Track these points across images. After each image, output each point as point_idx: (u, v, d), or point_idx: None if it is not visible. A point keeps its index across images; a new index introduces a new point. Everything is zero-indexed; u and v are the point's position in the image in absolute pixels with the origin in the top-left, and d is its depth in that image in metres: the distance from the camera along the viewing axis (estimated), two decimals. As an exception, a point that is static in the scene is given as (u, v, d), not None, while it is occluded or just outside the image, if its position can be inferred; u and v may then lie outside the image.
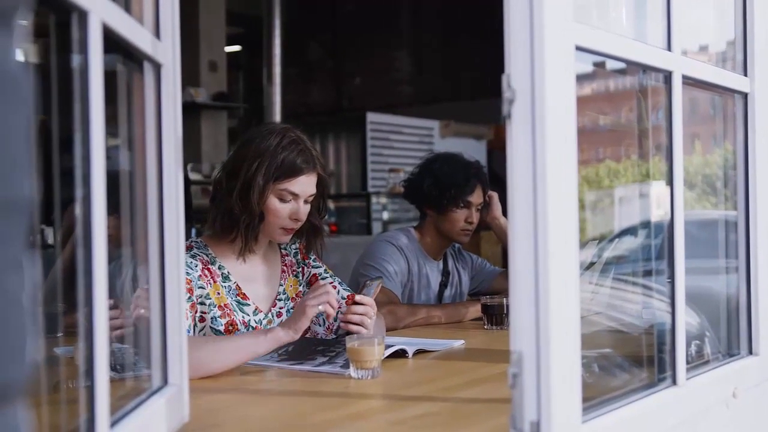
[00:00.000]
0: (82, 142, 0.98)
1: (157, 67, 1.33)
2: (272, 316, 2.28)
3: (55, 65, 1.01)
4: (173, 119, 1.36)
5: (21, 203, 0.56)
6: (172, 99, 1.36)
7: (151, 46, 1.28)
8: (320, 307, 1.98)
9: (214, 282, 2.19)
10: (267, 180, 2.15)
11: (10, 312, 0.55)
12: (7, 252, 0.55)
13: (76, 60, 1.00)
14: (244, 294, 2.24)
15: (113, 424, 1.07)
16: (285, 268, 2.38)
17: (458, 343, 2.34)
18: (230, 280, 2.23)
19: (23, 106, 0.57)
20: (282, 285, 2.35)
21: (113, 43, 1.10)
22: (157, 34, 1.34)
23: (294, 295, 2.36)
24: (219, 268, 2.23)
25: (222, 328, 2.16)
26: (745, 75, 1.78)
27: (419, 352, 2.17)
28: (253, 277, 2.29)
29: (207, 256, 2.22)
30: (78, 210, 0.99)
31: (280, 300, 2.33)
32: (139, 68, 1.31)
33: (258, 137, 2.20)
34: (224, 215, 2.20)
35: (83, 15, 0.98)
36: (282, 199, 2.19)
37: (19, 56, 0.60)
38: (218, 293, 2.19)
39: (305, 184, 2.21)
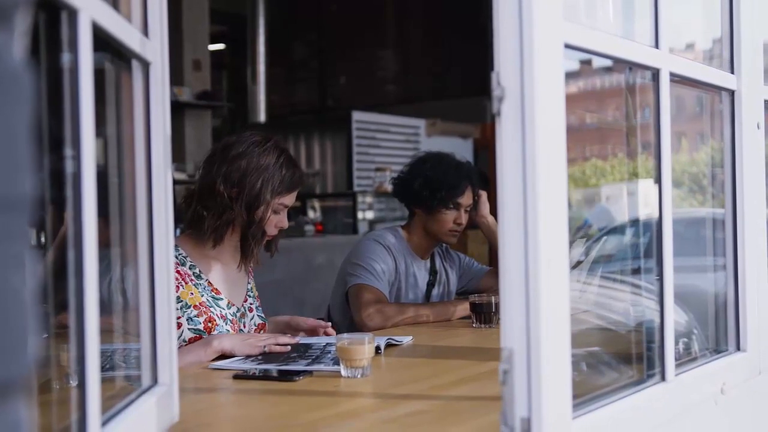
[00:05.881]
0: (72, 142, 0.98)
1: (145, 66, 1.33)
2: (245, 310, 2.38)
3: (43, 63, 1.01)
4: (162, 118, 1.36)
5: (23, 200, 0.57)
6: (160, 98, 1.36)
7: (139, 45, 1.27)
8: (266, 348, 2.11)
9: (186, 283, 2.22)
10: (273, 196, 2.25)
11: (13, 309, 0.55)
12: (10, 249, 0.55)
13: (65, 58, 0.99)
14: (217, 289, 2.30)
15: (104, 423, 1.07)
16: (250, 268, 2.46)
17: (407, 339, 2.36)
18: (202, 278, 2.27)
19: (25, 104, 0.57)
20: (250, 283, 2.45)
21: (101, 41, 1.09)
22: (145, 32, 1.33)
23: (256, 295, 2.47)
24: (190, 268, 2.26)
25: (201, 326, 2.20)
26: (732, 72, 1.79)
27: (389, 346, 2.22)
28: (225, 274, 2.35)
29: (176, 257, 2.23)
30: (68, 211, 0.98)
31: (250, 296, 2.42)
32: (127, 67, 1.30)
33: (252, 151, 2.25)
34: (225, 225, 2.25)
35: (73, 13, 0.97)
36: (276, 212, 2.28)
37: (20, 54, 0.59)
38: (191, 293, 2.23)
39: (295, 197, 2.34)
